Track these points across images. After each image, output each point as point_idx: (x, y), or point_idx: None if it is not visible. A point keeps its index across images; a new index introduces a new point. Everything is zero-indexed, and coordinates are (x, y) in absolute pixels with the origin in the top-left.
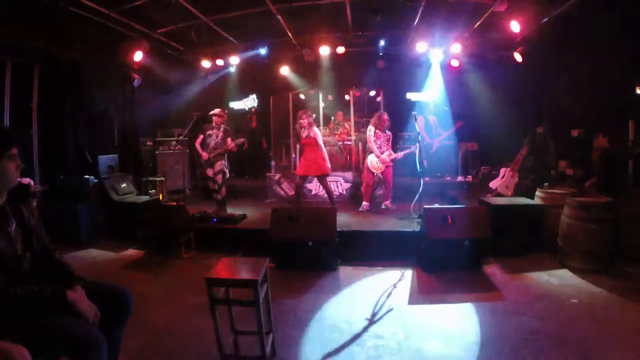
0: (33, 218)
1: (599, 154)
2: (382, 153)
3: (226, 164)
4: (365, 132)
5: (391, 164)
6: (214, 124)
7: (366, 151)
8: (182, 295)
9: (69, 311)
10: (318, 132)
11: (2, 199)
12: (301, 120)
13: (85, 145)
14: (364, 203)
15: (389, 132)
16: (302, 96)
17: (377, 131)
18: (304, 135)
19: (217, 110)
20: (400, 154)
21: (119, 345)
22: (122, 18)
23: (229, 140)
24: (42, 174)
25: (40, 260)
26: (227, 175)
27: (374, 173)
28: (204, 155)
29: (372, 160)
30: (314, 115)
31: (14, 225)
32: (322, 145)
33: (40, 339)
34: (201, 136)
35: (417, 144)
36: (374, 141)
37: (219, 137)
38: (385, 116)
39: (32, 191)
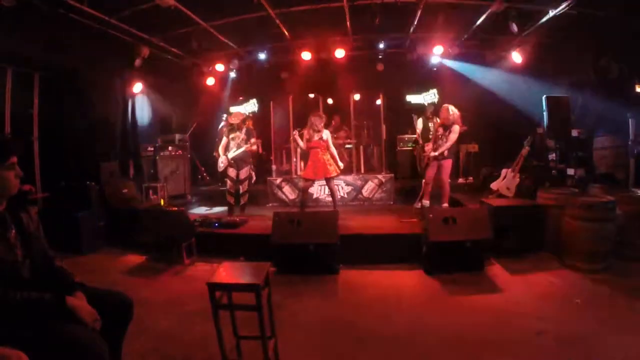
0: (32, 225)
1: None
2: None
3: (253, 168)
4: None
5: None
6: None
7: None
8: (183, 301)
9: (69, 317)
10: (329, 134)
11: (1, 206)
12: (317, 124)
13: (86, 151)
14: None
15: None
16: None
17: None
18: (315, 138)
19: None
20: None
21: (120, 351)
22: (122, 25)
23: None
24: (43, 181)
25: (40, 266)
26: (254, 179)
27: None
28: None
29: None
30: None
31: (13, 231)
32: (333, 146)
33: (40, 345)
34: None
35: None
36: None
37: (242, 139)
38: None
39: (33, 198)
